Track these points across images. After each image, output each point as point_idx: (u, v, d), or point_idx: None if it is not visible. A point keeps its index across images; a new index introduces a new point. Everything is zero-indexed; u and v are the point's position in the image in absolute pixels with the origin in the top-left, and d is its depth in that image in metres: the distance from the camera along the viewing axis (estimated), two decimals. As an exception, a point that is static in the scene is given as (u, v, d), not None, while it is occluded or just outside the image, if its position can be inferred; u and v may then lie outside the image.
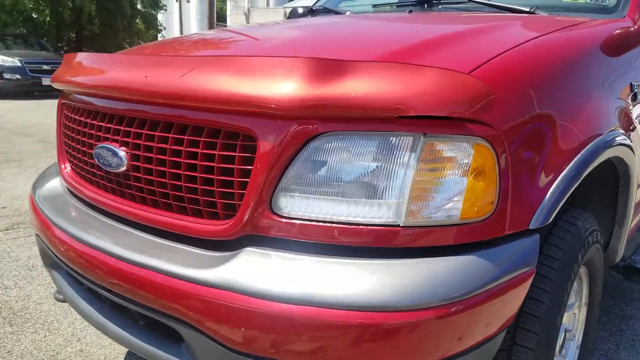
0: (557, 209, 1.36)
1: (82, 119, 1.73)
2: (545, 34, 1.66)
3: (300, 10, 3.04)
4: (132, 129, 1.49)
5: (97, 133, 1.62)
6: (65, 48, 23.09)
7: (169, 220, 1.42)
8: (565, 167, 1.39)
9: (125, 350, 2.36)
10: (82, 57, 1.85)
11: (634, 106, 1.91)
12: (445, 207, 1.21)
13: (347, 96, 1.16)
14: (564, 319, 1.61)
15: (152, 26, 28.79)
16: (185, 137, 1.36)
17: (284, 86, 1.19)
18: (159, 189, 1.44)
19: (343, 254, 1.23)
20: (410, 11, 2.47)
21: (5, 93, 14.17)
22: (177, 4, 33.19)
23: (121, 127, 1.52)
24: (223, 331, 1.25)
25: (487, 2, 2.28)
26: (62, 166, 1.92)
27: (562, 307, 1.47)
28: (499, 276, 1.23)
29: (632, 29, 2.06)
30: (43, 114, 10.62)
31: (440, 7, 2.48)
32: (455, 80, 1.20)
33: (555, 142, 1.39)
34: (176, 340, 1.41)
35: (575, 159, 1.42)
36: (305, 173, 1.23)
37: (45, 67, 14.72)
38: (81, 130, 1.73)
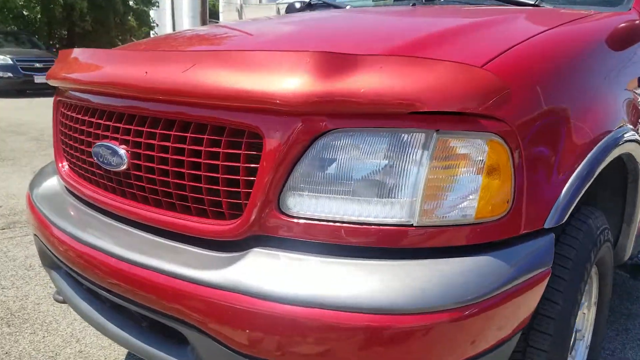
0: (572, 207, 1.32)
1: (79, 116, 1.69)
2: (554, 27, 1.63)
3: (298, 5, 2.99)
4: (132, 127, 1.45)
5: (96, 131, 1.58)
6: (57, 46, 22.92)
7: (172, 220, 1.38)
8: (580, 164, 1.36)
9: (125, 351, 2.32)
10: (78, 53, 1.80)
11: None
12: (460, 206, 1.17)
13: (357, 91, 1.12)
14: (575, 319, 1.57)
15: (145, 23, 28.58)
16: (189, 135, 1.32)
17: (291, 81, 1.15)
18: (162, 188, 1.40)
19: (354, 255, 1.19)
20: (414, 4, 2.43)
21: (-3, 91, 14.06)
22: (170, 0, 33.01)
23: (121, 125, 1.48)
24: (230, 334, 1.21)
25: (491, -5, 2.24)
26: (60, 165, 1.87)
27: (575, 308, 1.44)
28: (515, 277, 1.19)
29: (637, 21, 2.03)
30: (36, 112, 10.54)
31: (443, 0, 2.44)
32: (469, 74, 1.16)
33: (569, 137, 1.35)
34: (179, 342, 1.37)
35: (589, 155, 1.39)
36: (314, 171, 1.19)
37: (37, 64, 14.60)
38: (79, 128, 1.68)
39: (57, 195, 1.84)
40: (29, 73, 14.36)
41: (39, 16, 22.13)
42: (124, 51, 1.72)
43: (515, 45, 1.38)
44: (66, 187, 1.84)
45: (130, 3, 26.19)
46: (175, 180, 1.36)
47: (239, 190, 1.26)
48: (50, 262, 1.81)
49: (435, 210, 1.17)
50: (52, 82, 1.86)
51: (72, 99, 1.75)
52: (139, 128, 1.43)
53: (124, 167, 1.45)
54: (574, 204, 1.33)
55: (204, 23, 18.99)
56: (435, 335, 1.13)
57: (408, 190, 1.16)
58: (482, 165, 1.17)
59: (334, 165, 1.18)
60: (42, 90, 14.02)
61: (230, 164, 1.26)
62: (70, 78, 1.72)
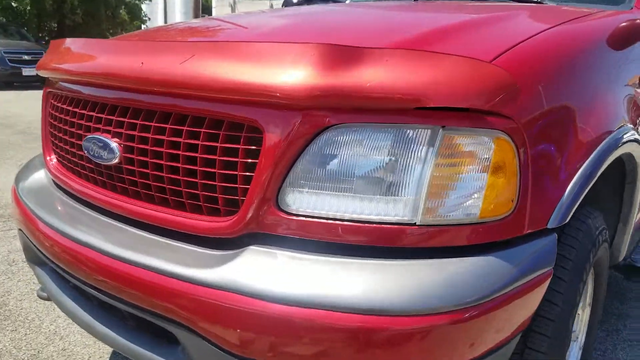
0: (575, 208, 1.30)
1: (70, 108, 1.64)
2: (559, 25, 1.60)
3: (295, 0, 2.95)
4: (125, 119, 1.40)
5: (87, 123, 1.54)
6: (47, 38, 22.66)
7: (165, 216, 1.34)
8: (584, 162, 1.34)
9: (110, 350, 2.28)
10: (70, 43, 1.75)
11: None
12: (464, 204, 1.15)
13: (362, 85, 1.09)
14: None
15: (137, 17, 28.42)
16: (185, 128, 1.28)
17: (295, 74, 1.11)
18: (155, 183, 1.36)
19: (354, 254, 1.15)
20: (416, 0, 2.40)
21: (-16, 84, 13.88)
22: (162, -6, 32.81)
23: (114, 117, 1.44)
24: (224, 334, 1.17)
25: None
26: (48, 158, 1.83)
27: (574, 310, 1.42)
28: (517, 278, 1.17)
29: (638, 21, 2.02)
30: (24, 105, 10.41)
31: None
32: (478, 70, 1.13)
33: (573, 136, 1.34)
34: (170, 343, 1.33)
35: (593, 154, 1.38)
36: (315, 167, 1.16)
37: (25, 57, 14.42)
38: (69, 120, 1.64)
39: (44, 189, 1.80)
40: (17, 65, 14.18)
41: (28, 8, 21.90)
42: (119, 41, 1.68)
43: (521, 42, 1.36)
44: (54, 181, 1.79)
45: (123, -4, 26.03)
46: (170, 175, 1.32)
47: (236, 186, 1.23)
48: (35, 258, 1.76)
49: (438, 208, 1.14)
50: (42, 73, 1.81)
51: (63, 90, 1.70)
52: (133, 121, 1.39)
53: (116, 161, 1.41)
54: (577, 204, 1.31)
55: (196, 18, 18.89)
56: (434, 338, 1.10)
57: (412, 188, 1.13)
58: (488, 163, 1.14)
59: (336, 161, 1.15)
60: (30, 83, 13.88)
61: (227, 159, 1.23)
62: (61, 69, 1.67)
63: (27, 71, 14.02)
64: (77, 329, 2.41)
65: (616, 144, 1.51)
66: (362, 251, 1.16)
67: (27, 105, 10.21)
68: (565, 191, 1.29)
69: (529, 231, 1.22)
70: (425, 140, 1.12)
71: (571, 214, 1.30)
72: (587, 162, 1.35)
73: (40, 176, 1.90)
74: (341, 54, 1.11)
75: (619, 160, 1.67)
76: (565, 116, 1.33)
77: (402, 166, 1.13)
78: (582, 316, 1.87)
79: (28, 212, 1.67)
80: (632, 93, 1.77)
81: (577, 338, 1.87)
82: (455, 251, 1.16)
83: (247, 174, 1.20)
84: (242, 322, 1.13)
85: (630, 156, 1.68)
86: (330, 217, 1.16)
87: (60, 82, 1.72)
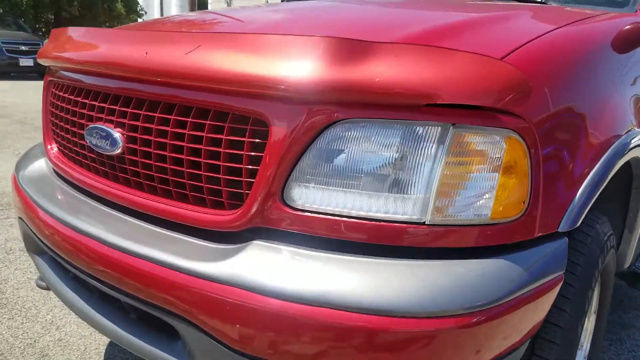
0: (586, 211, 1.28)
1: (72, 97, 1.61)
2: (566, 25, 1.58)
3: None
4: (129, 110, 1.38)
5: (89, 113, 1.51)
6: (44, 29, 22.55)
7: (168, 207, 1.32)
8: (595, 165, 1.32)
9: (107, 341, 2.26)
10: (73, 31, 1.72)
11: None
12: (475, 205, 1.12)
13: (371, 80, 1.06)
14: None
15: (133, 10, 28.38)
16: (189, 120, 1.25)
17: (302, 67, 1.09)
18: (158, 174, 1.33)
19: (359, 252, 1.13)
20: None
21: (-20, 73, 13.80)
22: (158, -12, 32.72)
23: (117, 107, 1.41)
24: (225, 329, 1.15)
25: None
26: (48, 147, 1.80)
27: (583, 316, 1.39)
28: (528, 282, 1.14)
29: (643, 24, 2.00)
30: (21, 95, 10.35)
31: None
32: (489, 67, 1.11)
33: (585, 137, 1.31)
34: (170, 336, 1.31)
35: (604, 156, 1.35)
36: (321, 162, 1.13)
37: (22, 47, 14.34)
38: (71, 109, 1.61)
39: (44, 178, 1.77)
40: (14, 56, 14.11)
41: (24, -1, 21.79)
42: (123, 30, 1.65)
43: (530, 41, 1.33)
44: (54, 170, 1.77)
45: (119, -11, 25.97)
46: (173, 167, 1.29)
47: (241, 179, 1.20)
48: (34, 247, 1.74)
49: (448, 208, 1.11)
50: (43, 62, 1.78)
51: (64, 79, 1.68)
52: (137, 111, 1.36)
53: (119, 151, 1.38)
54: (588, 207, 1.29)
55: (192, 11, 18.80)
56: (439, 342, 1.07)
57: (421, 186, 1.10)
58: (499, 163, 1.12)
59: (343, 157, 1.13)
60: (28, 74, 13.81)
61: (232, 151, 1.20)
62: (63, 57, 1.64)
63: (24, 61, 13.97)
64: (74, 320, 2.39)
65: (624, 148, 1.48)
66: (368, 249, 1.13)
67: (24, 95, 10.17)
68: (576, 194, 1.26)
69: (540, 234, 1.20)
70: (436, 137, 1.09)
71: (582, 217, 1.28)
72: (598, 164, 1.33)
73: (40, 165, 1.87)
74: (350, 48, 1.09)
75: (627, 165, 1.65)
76: (575, 117, 1.31)
77: (412, 164, 1.10)
78: (587, 324, 1.84)
79: (28, 201, 1.64)
80: (638, 96, 1.75)
81: (582, 346, 1.84)
82: (464, 252, 1.14)
83: (252, 167, 1.18)
84: (244, 318, 1.11)
85: (638, 160, 1.66)
86: (337, 213, 1.14)
87: (62, 71, 1.69)
